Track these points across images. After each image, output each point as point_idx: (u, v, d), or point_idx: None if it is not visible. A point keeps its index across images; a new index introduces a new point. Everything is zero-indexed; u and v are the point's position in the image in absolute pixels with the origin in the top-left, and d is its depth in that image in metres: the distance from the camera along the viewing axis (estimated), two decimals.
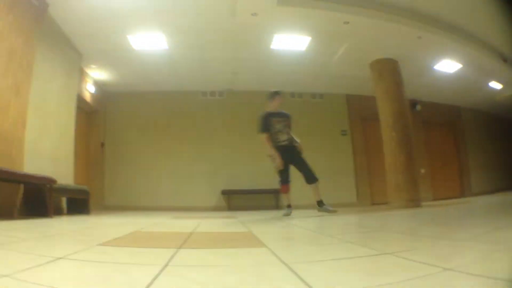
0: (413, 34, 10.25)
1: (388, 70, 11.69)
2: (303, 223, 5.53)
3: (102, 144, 13.53)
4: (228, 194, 13.63)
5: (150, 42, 10.55)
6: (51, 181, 7.33)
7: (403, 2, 9.35)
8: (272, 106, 8.15)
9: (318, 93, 15.13)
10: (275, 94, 8.24)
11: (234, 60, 12.09)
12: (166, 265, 2.04)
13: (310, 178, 7.51)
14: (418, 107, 15.83)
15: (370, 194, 14.64)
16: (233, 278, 1.80)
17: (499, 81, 14.61)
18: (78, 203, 9.35)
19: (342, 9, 9.15)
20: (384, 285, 1.56)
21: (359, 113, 15.18)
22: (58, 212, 8.42)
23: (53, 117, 9.11)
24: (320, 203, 7.51)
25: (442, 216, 6.27)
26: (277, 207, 13.41)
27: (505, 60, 12.30)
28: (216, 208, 13.23)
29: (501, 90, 15.52)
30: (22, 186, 7.16)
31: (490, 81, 14.67)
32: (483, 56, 11.70)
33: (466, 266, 1.86)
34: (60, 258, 2.27)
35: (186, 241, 3.34)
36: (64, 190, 8.33)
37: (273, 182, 12.98)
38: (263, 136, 7.87)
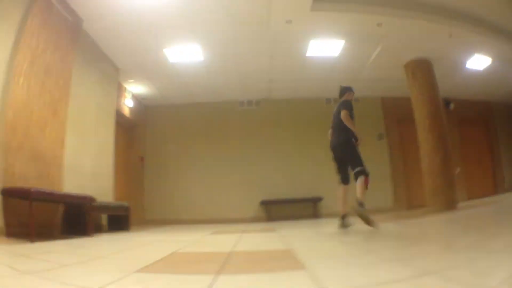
0: (443, 31, 10.10)
1: (422, 70, 11.61)
2: (341, 235, 5.49)
3: (142, 159, 13.68)
4: (266, 204, 13.61)
5: (186, 54, 10.67)
6: (91, 199, 7.42)
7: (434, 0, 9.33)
8: (349, 98, 8.01)
9: (354, 97, 14.94)
10: (348, 89, 8.27)
11: (270, 69, 12.14)
12: None
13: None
14: (452, 106, 15.64)
15: (406, 198, 14.53)
16: None
17: None
18: (118, 220, 9.45)
19: (375, 11, 9.18)
20: None
21: (395, 115, 15.15)
22: (98, 229, 8.49)
23: (92, 133, 9.25)
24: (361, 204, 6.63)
25: (479, 220, 6.27)
26: (315, 215, 13.42)
27: None
28: (254, 219, 13.28)
29: None
30: (62, 205, 7.22)
31: None
32: None
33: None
34: None
35: (225, 263, 3.34)
36: (104, 207, 8.43)
37: (311, 190, 12.93)
38: (348, 116, 7.38)
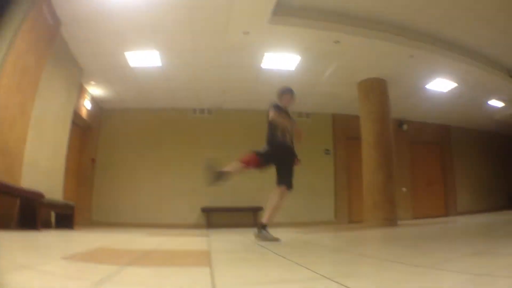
0: (404, 52, 10.39)
1: (375, 89, 11.87)
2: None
3: (93, 160, 13.70)
4: (207, 211, 13.78)
5: (145, 59, 10.82)
6: (40, 195, 7.56)
7: (397, 19, 9.53)
8: (282, 102, 7.60)
9: (305, 112, 15.31)
10: (288, 91, 7.69)
11: (225, 79, 12.33)
12: (98, 282, 2.21)
13: (286, 182, 6.93)
14: (405, 127, 16.00)
15: (348, 213, 14.78)
16: None
17: (500, 99, 14.58)
18: (64, 218, 9.57)
19: (333, 28, 9.31)
20: None
21: (344, 133, 15.40)
22: (47, 225, 8.68)
23: (50, 132, 9.35)
24: (263, 227, 6.47)
25: (411, 237, 6.39)
26: (255, 224, 13.40)
27: None
28: (196, 226, 13.39)
29: (502, 108, 15.49)
30: (18, 200, 7.43)
31: (490, 99, 14.65)
32: (484, 72, 11.76)
33: None
34: (24, 267, 2.66)
35: (139, 258, 3.62)
36: (52, 205, 8.51)
37: (252, 200, 13.13)
38: (275, 113, 7.05)
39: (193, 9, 8.46)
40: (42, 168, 8.79)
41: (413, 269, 2.72)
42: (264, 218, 6.63)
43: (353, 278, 2.45)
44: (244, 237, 7.15)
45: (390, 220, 10.69)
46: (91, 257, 3.64)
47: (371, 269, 3.03)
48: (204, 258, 3.57)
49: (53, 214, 9.39)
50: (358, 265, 3.28)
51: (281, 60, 11.04)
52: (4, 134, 6.77)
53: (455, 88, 13.09)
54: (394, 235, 7.15)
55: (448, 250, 3.97)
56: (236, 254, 4.37)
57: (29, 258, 3.29)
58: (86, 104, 12.63)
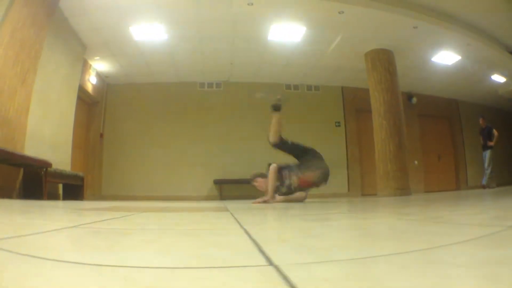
0: (408, 23, 10.34)
1: (382, 60, 11.78)
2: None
3: (101, 135, 13.66)
4: (220, 183, 13.80)
5: (150, 33, 10.73)
6: (47, 164, 7.55)
7: None
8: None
9: (314, 85, 15.29)
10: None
11: (232, 51, 12.22)
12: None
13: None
14: (414, 100, 15.90)
15: (361, 185, 14.81)
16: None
17: (502, 74, 14.55)
18: (73, 190, 9.53)
19: None
20: None
21: (354, 105, 15.34)
22: (54, 197, 8.65)
23: (55, 105, 9.35)
24: None
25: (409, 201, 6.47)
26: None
27: (511, 52, 12.40)
28: (208, 198, 13.33)
29: (504, 83, 15.46)
30: (21, 170, 7.38)
31: (492, 74, 14.62)
32: (486, 47, 11.80)
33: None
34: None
35: (159, 210, 3.67)
36: (59, 175, 8.47)
37: (264, 171, 13.14)
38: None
39: None
40: (48, 141, 8.81)
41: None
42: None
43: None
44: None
45: (403, 190, 10.66)
46: (109, 209, 3.65)
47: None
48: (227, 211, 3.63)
49: (60, 187, 9.36)
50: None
51: (287, 32, 10.95)
52: (4, 104, 6.74)
53: (459, 61, 13.07)
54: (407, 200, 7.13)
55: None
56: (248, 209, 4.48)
57: (44, 213, 3.30)
58: (92, 80, 12.59)
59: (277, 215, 3.58)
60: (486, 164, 13.14)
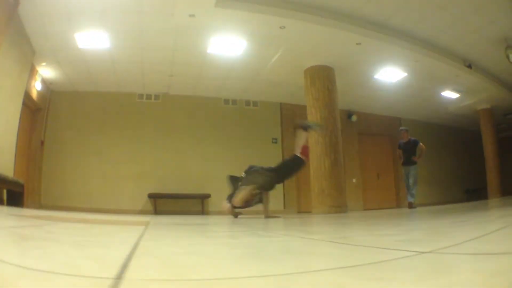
0: (352, 39, 10.47)
1: (322, 76, 11.88)
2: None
3: (42, 143, 13.48)
4: (154, 197, 13.66)
5: (94, 40, 10.70)
6: None
7: (344, 6, 9.57)
8: None
9: (253, 100, 15.46)
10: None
11: (172, 63, 12.26)
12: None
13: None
14: (354, 118, 16.15)
15: (297, 203, 14.91)
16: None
17: (456, 90, 14.74)
18: (15, 197, 9.46)
19: (279, 13, 9.33)
20: None
21: (291, 122, 15.22)
22: None
23: (2, 110, 9.25)
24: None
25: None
26: (202, 212, 13.69)
27: (469, 66, 12.47)
28: (142, 212, 13.30)
29: (457, 99, 15.67)
30: None
31: (443, 90, 14.83)
32: (438, 63, 11.94)
33: None
34: None
35: (82, 221, 3.76)
36: (3, 180, 8.44)
37: (200, 187, 13.16)
38: None
39: None
40: None
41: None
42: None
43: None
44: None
45: (338, 207, 10.73)
46: (35, 217, 3.76)
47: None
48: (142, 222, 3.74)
49: (5, 192, 9.32)
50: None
51: (228, 45, 11.03)
52: None
53: (405, 78, 13.28)
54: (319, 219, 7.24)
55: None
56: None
57: None
58: (37, 86, 12.47)
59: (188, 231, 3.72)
60: (411, 181, 12.45)
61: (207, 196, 13.68)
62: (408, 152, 12.63)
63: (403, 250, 1.92)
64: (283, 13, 9.37)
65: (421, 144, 12.58)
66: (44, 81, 13.06)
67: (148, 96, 14.80)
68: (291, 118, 15.39)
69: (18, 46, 9.80)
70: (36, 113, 13.30)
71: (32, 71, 11.68)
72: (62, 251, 1.73)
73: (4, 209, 5.77)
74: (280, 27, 9.88)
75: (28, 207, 10.42)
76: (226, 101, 15.06)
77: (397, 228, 3.92)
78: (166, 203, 13.65)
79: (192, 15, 9.22)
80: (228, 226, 4.58)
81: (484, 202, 13.15)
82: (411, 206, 12.22)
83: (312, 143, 11.33)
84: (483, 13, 9.73)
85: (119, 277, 1.19)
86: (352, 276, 1.35)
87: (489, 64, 12.89)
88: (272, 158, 14.10)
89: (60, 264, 1.38)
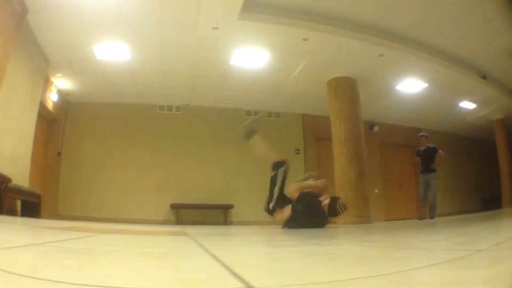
0: (374, 51, 10.37)
1: (344, 88, 11.80)
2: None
3: (59, 153, 13.43)
4: (177, 208, 13.56)
5: (114, 52, 10.61)
6: (7, 179, 7.43)
7: (366, 18, 9.49)
8: None
9: (275, 112, 15.37)
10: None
11: (194, 75, 12.17)
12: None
13: None
14: (376, 129, 16.07)
15: None
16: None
17: (472, 100, 14.65)
18: (31, 207, 9.33)
19: (302, 25, 9.24)
20: None
21: (314, 133, 15.43)
22: (12, 213, 8.45)
23: (16, 121, 9.19)
24: None
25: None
26: (225, 222, 13.52)
27: (484, 77, 12.35)
28: (164, 222, 13.19)
29: (474, 109, 15.57)
30: None
31: (461, 101, 14.75)
32: (455, 74, 11.82)
33: None
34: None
35: (117, 231, 3.65)
36: (18, 191, 8.31)
37: (222, 198, 13.05)
38: None
39: (163, 1, 8.35)
40: (7, 156, 8.61)
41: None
42: None
43: None
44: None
45: (363, 218, 10.61)
46: (69, 229, 3.61)
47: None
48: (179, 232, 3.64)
49: (19, 203, 9.20)
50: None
51: (251, 57, 10.96)
52: None
53: (425, 88, 13.14)
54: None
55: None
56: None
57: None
58: (52, 97, 12.37)
59: (239, 241, 3.60)
60: (433, 191, 12.05)
61: (230, 206, 13.61)
62: (427, 159, 12.27)
63: (462, 250, 2.12)
64: (307, 25, 9.31)
65: (440, 151, 12.25)
66: (60, 92, 12.97)
67: (169, 108, 14.72)
68: (313, 129, 15.39)
69: (30, 56, 9.72)
70: (52, 124, 13.24)
71: (47, 82, 11.61)
72: (149, 266, 1.58)
73: (25, 221, 5.62)
74: (303, 39, 9.79)
75: (44, 217, 10.25)
76: (248, 112, 14.85)
77: (439, 235, 4.09)
78: (188, 213, 13.57)
79: (215, 28, 9.17)
80: (271, 236, 4.48)
81: (499, 211, 13.30)
82: (424, 216, 11.91)
83: (336, 154, 11.38)
84: (492, 25, 9.70)
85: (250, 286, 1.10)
86: (445, 269, 1.45)
87: (501, 75, 12.83)
88: (295, 169, 14.04)
89: (174, 281, 1.25)
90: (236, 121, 14.12)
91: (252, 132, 7.78)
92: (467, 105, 15.17)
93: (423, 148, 12.49)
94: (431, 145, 12.47)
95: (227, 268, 1.44)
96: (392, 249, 2.50)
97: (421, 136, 12.73)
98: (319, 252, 2.35)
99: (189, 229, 6.19)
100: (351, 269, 1.61)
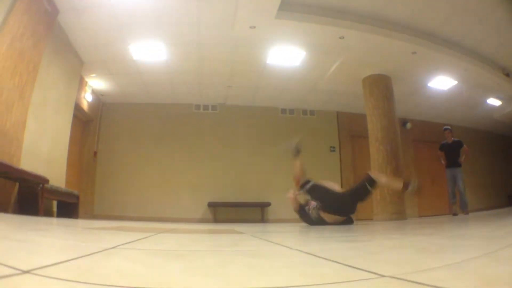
0: (407, 49, 10.37)
1: (380, 85, 11.83)
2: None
3: (95, 154, 13.56)
4: (214, 206, 13.66)
5: (150, 52, 10.68)
6: (44, 180, 7.47)
7: (399, 17, 9.53)
8: None
9: (310, 109, 15.37)
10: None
11: (230, 74, 12.23)
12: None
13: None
14: (409, 125, 16.07)
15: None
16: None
17: (498, 97, 14.61)
18: (68, 207, 9.44)
19: (338, 23, 9.27)
20: None
21: (348, 131, 15.47)
22: (48, 214, 8.54)
23: (51, 122, 9.28)
24: None
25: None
26: (262, 220, 13.60)
27: (507, 74, 12.33)
28: (201, 220, 13.31)
29: (499, 106, 15.51)
30: (17, 185, 7.28)
31: (488, 97, 14.68)
32: (483, 71, 11.79)
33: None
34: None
35: (167, 231, 3.63)
36: (55, 191, 8.38)
37: (259, 195, 13.05)
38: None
39: (201, 0, 8.38)
40: (44, 157, 8.76)
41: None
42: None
43: None
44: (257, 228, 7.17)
45: (399, 214, 10.68)
46: (119, 229, 3.58)
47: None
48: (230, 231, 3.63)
49: (54, 204, 9.28)
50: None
51: (286, 56, 10.98)
52: (1, 116, 6.62)
53: (455, 86, 13.15)
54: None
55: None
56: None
57: (58, 231, 3.23)
58: (87, 97, 12.49)
59: (309, 237, 3.59)
60: (461, 186, 11.91)
61: (267, 204, 13.63)
62: (452, 153, 12.16)
63: None
64: (343, 23, 9.35)
65: (465, 145, 12.13)
66: (95, 92, 13.13)
67: (206, 107, 14.81)
68: (348, 126, 15.46)
69: (63, 57, 9.84)
70: (87, 124, 13.41)
71: (81, 82, 11.74)
72: (264, 264, 1.54)
73: (68, 222, 5.62)
74: (340, 38, 9.83)
75: (81, 217, 10.34)
76: (283, 111, 15.02)
77: (491, 226, 4.06)
78: (225, 211, 13.66)
79: (252, 27, 9.20)
80: (320, 233, 4.37)
81: None
82: (456, 213, 11.88)
83: (373, 152, 11.41)
84: None
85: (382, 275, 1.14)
86: None
87: None
88: (330, 166, 13.99)
89: (305, 277, 1.23)
90: (272, 120, 14.18)
91: (298, 152, 7.71)
92: (494, 102, 15.16)
93: (448, 142, 12.36)
94: (456, 139, 12.34)
95: (338, 263, 1.44)
96: (460, 239, 2.53)
97: (445, 129, 12.55)
98: (400, 245, 2.34)
99: (235, 227, 6.18)
100: (448, 256, 1.68)
